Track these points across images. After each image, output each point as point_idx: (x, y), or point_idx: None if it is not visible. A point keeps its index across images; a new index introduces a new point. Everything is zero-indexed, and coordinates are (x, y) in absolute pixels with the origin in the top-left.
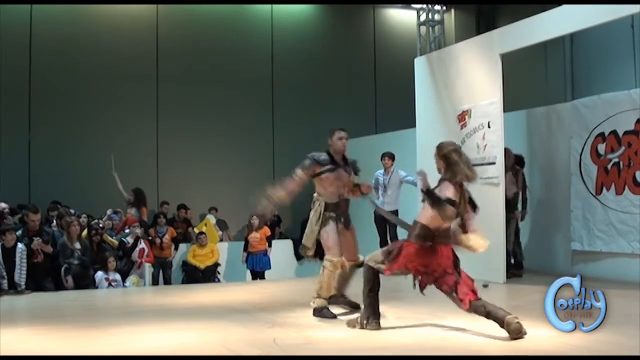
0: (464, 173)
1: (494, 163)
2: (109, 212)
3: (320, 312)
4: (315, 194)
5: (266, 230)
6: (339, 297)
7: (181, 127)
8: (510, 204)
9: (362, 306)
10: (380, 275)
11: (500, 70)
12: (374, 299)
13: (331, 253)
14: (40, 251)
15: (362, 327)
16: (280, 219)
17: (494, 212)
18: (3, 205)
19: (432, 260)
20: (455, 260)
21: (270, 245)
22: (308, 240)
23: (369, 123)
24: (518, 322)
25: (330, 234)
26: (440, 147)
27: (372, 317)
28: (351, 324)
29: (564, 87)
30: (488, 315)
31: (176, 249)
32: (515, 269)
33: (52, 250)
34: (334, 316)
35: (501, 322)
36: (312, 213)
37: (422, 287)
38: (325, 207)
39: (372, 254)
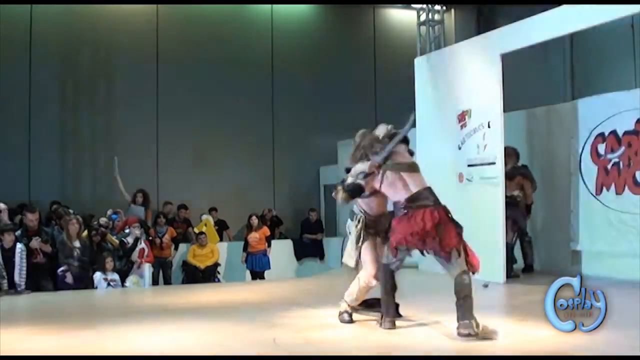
0: None
1: (494, 163)
2: (109, 212)
3: (341, 316)
4: (355, 208)
5: (265, 231)
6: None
7: (181, 127)
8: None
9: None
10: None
11: (500, 70)
12: (389, 300)
13: (367, 269)
14: (40, 251)
15: (380, 326)
16: (281, 220)
17: (494, 212)
18: (2, 205)
19: (411, 226)
20: (444, 224)
21: (269, 246)
22: (350, 258)
23: (369, 123)
24: (469, 334)
25: (368, 251)
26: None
27: (386, 316)
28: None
29: (564, 87)
30: (462, 299)
31: (176, 249)
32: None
33: (51, 249)
34: (351, 321)
35: (458, 318)
36: (353, 229)
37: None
38: (366, 225)
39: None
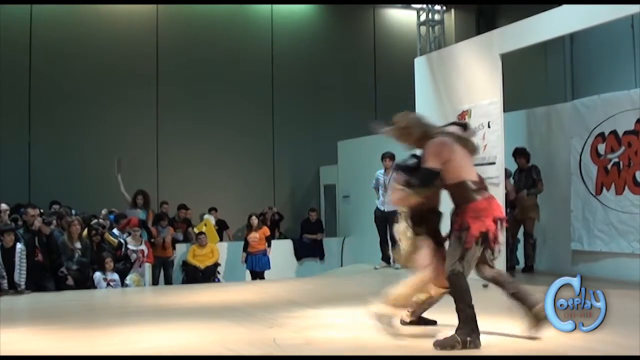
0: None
1: (494, 163)
2: (104, 212)
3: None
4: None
5: (265, 231)
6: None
7: (181, 127)
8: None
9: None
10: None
11: (500, 70)
12: (473, 312)
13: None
14: (39, 250)
15: (464, 347)
16: (282, 216)
17: None
18: (4, 206)
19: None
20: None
21: (269, 246)
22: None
23: (369, 123)
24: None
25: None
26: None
27: (475, 334)
28: (446, 345)
29: (564, 87)
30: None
31: (174, 248)
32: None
33: (49, 230)
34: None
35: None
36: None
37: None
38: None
39: (447, 262)
